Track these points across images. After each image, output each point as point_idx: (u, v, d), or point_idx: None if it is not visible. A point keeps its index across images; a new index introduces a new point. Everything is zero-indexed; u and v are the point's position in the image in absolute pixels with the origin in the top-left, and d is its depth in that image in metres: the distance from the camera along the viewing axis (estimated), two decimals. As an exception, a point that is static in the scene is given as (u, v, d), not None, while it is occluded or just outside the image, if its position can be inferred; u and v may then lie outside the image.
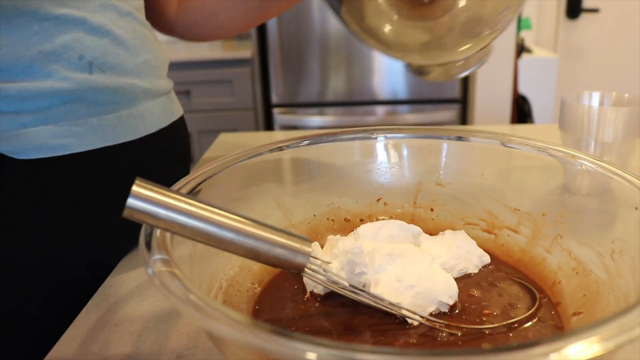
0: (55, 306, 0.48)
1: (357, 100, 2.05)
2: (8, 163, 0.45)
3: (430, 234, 0.44)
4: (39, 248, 0.47)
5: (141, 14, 0.55)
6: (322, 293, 0.38)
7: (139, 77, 0.52)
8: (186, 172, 0.60)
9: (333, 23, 1.93)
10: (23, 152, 0.45)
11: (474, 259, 0.42)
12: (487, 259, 0.43)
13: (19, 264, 0.47)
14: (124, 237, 0.50)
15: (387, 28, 0.49)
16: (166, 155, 0.56)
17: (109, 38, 0.49)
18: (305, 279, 0.39)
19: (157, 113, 0.54)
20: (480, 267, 0.42)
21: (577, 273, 0.38)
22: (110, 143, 0.49)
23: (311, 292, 0.39)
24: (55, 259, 0.48)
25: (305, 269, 0.33)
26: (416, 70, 0.55)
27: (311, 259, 0.33)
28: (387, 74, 2.01)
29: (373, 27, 0.49)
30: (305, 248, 0.33)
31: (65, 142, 0.46)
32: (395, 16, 0.47)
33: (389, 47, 0.51)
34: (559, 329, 0.35)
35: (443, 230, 0.45)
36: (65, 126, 0.46)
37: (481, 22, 0.48)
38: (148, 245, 0.29)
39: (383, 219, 0.47)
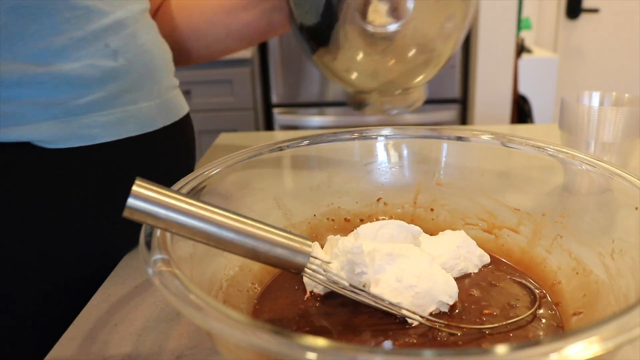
0: (55, 306, 0.48)
1: (357, 100, 2.04)
2: (39, 152, 0.46)
3: (430, 234, 0.44)
4: (52, 241, 0.48)
5: (148, 14, 0.57)
6: (322, 293, 0.38)
7: (157, 70, 0.54)
8: (192, 167, 0.62)
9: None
10: (54, 141, 0.46)
11: (474, 258, 0.42)
12: (487, 258, 0.43)
13: (23, 260, 0.47)
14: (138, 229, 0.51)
15: (357, 69, 0.59)
16: (177, 148, 0.58)
17: (130, 30, 0.51)
18: (305, 279, 0.39)
19: (171, 106, 0.56)
20: (480, 267, 0.42)
21: (577, 273, 0.38)
22: (132, 134, 0.51)
23: (311, 292, 0.39)
24: (63, 253, 0.48)
25: (305, 269, 0.33)
26: (354, 104, 0.64)
27: (311, 258, 0.33)
28: (387, 74, 2.00)
29: (343, 72, 0.60)
30: (305, 248, 0.33)
31: (93, 133, 0.48)
32: (362, 51, 0.56)
33: (358, 82, 0.60)
34: (559, 329, 0.35)
35: (443, 230, 0.45)
36: (92, 118, 0.48)
37: (432, 38, 0.55)
38: (148, 245, 0.29)
39: (383, 219, 0.47)
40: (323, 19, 0.56)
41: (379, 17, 0.52)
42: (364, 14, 0.52)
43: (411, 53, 0.56)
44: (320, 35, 0.59)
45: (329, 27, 0.57)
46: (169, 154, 0.56)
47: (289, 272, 0.34)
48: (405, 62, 0.58)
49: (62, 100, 0.46)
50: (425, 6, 0.53)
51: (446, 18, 0.56)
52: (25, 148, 0.46)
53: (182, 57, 0.70)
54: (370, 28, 0.52)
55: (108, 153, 0.49)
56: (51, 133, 0.46)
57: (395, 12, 0.52)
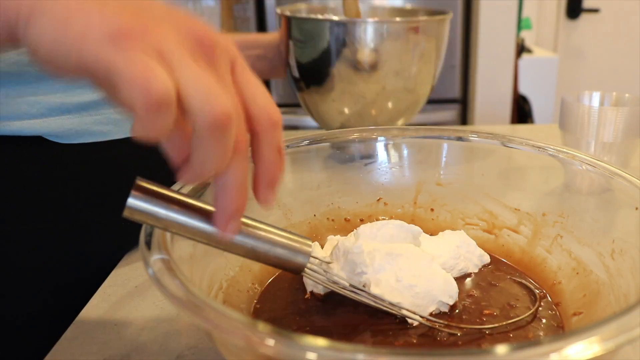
0: (55, 306, 0.48)
1: (357, 100, 2.04)
2: (51, 146, 0.46)
3: (431, 234, 0.44)
4: (57, 237, 0.48)
5: None
6: (322, 293, 0.38)
7: None
8: None
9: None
10: (66, 136, 0.47)
11: (474, 258, 0.42)
12: (486, 258, 0.43)
13: (24, 258, 0.47)
14: None
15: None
16: None
17: None
18: (305, 279, 0.39)
19: None
20: (480, 266, 0.42)
21: (577, 273, 0.38)
22: None
23: (311, 292, 0.39)
24: (67, 251, 0.48)
25: (305, 269, 0.33)
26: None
27: (311, 258, 0.33)
28: (387, 74, 2.00)
29: (335, 113, 0.70)
30: (306, 248, 0.33)
31: (105, 129, 0.48)
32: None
33: (345, 123, 0.70)
34: (559, 329, 0.35)
35: (443, 230, 0.45)
36: (106, 114, 0.48)
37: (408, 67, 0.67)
38: (148, 245, 0.29)
39: (383, 219, 0.47)
40: (320, 57, 0.66)
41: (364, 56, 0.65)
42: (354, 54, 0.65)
43: (392, 96, 0.68)
44: (314, 73, 0.68)
45: (324, 66, 0.66)
46: None
47: (289, 272, 0.34)
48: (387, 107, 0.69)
49: (76, 95, 0.47)
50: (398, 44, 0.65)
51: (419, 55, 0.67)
52: (38, 142, 0.46)
53: None
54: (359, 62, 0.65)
55: (119, 150, 0.50)
56: (64, 128, 0.46)
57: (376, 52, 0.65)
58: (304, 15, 0.79)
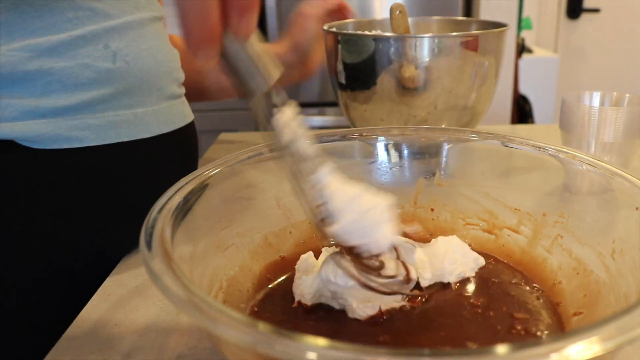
0: (55, 306, 0.48)
1: (358, 100, 2.04)
2: (22, 151, 0.45)
3: (431, 234, 0.44)
4: (42, 241, 0.47)
5: (163, 23, 0.57)
6: (309, 304, 0.37)
7: (158, 77, 0.53)
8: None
9: (333, 23, 1.92)
10: (40, 141, 0.45)
11: (470, 262, 0.41)
12: (481, 261, 0.42)
13: (20, 258, 0.47)
14: (130, 234, 0.50)
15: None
16: (175, 156, 0.57)
17: (135, 34, 0.50)
18: (294, 288, 0.38)
19: (171, 114, 0.55)
20: (476, 269, 0.41)
21: (577, 273, 0.38)
22: (125, 139, 0.49)
23: (299, 302, 0.38)
24: (59, 254, 0.48)
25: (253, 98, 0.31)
26: None
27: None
28: (388, 74, 2.00)
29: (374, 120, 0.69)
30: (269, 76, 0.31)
31: (81, 135, 0.47)
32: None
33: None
34: (560, 329, 0.35)
35: (443, 230, 0.45)
36: (82, 119, 0.47)
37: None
38: (148, 244, 0.29)
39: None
40: (366, 62, 0.65)
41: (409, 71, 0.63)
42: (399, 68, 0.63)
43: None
44: (359, 77, 0.67)
45: (369, 71, 0.65)
46: (165, 161, 0.55)
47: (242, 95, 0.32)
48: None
49: (52, 98, 0.45)
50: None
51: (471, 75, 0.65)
52: (9, 146, 0.45)
53: (198, 93, 0.75)
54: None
55: (97, 157, 0.48)
56: (37, 132, 0.45)
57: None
58: (351, 31, 0.78)
